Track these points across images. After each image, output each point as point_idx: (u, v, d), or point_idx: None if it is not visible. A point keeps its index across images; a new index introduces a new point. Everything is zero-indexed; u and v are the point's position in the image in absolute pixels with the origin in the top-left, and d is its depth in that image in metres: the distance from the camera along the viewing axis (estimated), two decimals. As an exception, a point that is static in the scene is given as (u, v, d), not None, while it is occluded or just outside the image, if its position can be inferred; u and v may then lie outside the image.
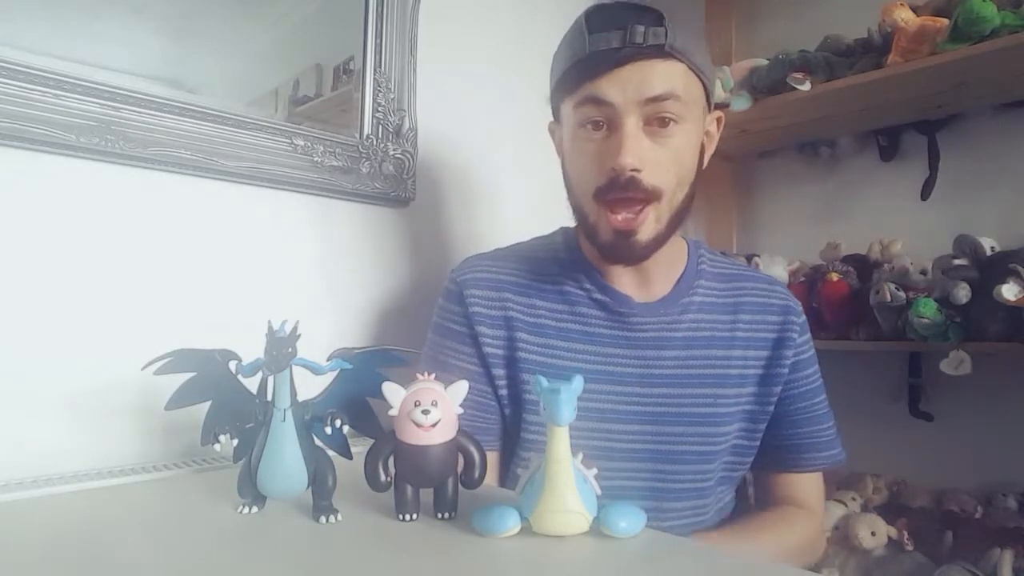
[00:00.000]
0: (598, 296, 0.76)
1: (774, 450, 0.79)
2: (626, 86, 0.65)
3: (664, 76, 0.65)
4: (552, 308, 0.77)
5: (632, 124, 0.66)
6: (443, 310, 0.79)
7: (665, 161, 0.67)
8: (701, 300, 0.78)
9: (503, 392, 0.75)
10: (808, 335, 0.81)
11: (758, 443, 0.79)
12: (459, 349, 0.76)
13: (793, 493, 0.81)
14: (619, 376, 0.74)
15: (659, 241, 0.70)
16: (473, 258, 0.82)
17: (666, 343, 0.75)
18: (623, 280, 0.76)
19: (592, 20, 0.67)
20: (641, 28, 0.64)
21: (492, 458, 0.75)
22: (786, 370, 0.77)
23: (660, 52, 0.65)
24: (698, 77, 0.68)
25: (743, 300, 0.79)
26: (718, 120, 0.76)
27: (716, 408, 0.75)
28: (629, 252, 0.70)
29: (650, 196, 0.67)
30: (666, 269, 0.78)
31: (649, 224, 0.68)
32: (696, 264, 0.80)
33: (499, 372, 0.75)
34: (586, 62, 0.67)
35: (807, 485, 0.81)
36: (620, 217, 0.68)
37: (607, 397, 0.74)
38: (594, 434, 0.72)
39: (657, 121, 0.66)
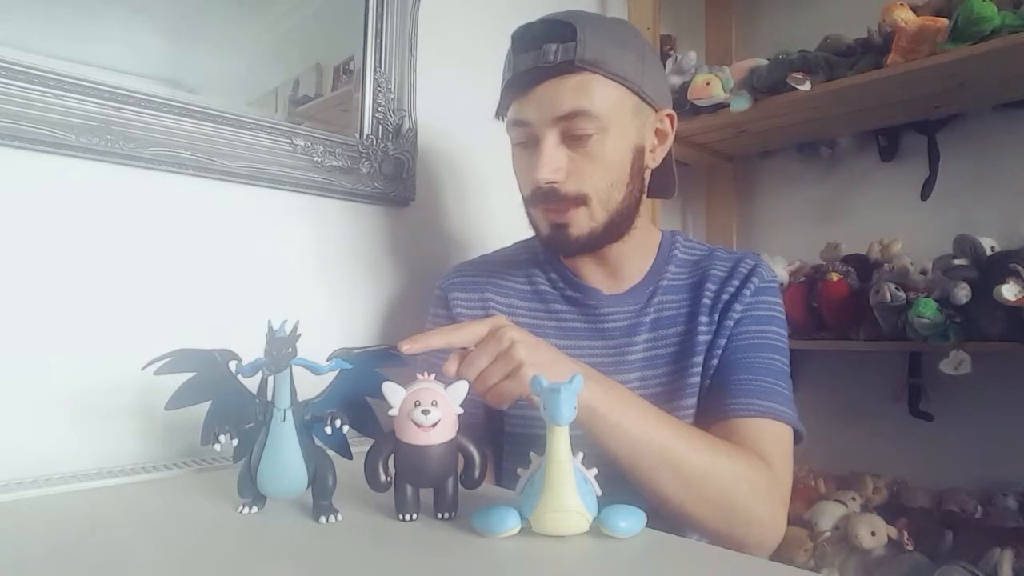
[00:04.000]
0: (569, 293, 0.81)
1: (710, 398, 0.74)
2: (539, 106, 0.70)
3: (575, 92, 0.68)
4: (529, 307, 0.82)
5: (550, 139, 0.70)
6: (432, 316, 0.86)
7: (587, 168, 0.71)
8: (667, 284, 0.80)
9: None
10: (768, 297, 0.78)
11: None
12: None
13: (735, 440, 0.69)
14: (594, 367, 0.74)
15: (597, 237, 0.74)
16: (458, 266, 0.89)
17: (635, 329, 0.78)
18: (594, 275, 0.81)
19: (516, 42, 0.72)
20: (552, 47, 0.67)
21: None
22: (731, 323, 0.75)
23: (571, 68, 0.67)
24: (620, 83, 0.70)
25: (708, 274, 0.79)
26: (669, 117, 0.77)
27: (688, 379, 0.75)
28: (565, 245, 0.75)
29: (575, 201, 0.72)
30: (635, 261, 0.81)
31: (581, 221, 0.73)
32: (668, 251, 0.83)
33: None
34: (509, 84, 0.72)
35: (752, 436, 0.68)
36: (553, 212, 0.73)
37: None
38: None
39: (572, 137, 0.70)
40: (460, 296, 0.83)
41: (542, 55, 0.68)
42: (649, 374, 0.77)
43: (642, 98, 0.72)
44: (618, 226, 0.75)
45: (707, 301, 0.77)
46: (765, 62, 1.20)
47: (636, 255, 0.81)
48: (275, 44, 0.91)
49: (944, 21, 0.98)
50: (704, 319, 0.76)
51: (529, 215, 0.78)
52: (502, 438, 0.79)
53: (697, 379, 0.75)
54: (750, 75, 1.21)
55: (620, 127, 0.71)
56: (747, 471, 0.64)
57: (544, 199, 0.72)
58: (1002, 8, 0.94)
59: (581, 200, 0.72)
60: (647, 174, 0.78)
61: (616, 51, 0.69)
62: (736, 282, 0.77)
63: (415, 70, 1.00)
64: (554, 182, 0.70)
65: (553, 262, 0.83)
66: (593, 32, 0.68)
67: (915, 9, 1.04)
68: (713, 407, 0.73)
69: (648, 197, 0.80)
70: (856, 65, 1.10)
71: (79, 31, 0.73)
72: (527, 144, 0.73)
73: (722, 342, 0.75)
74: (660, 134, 0.77)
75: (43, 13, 0.71)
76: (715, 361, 0.75)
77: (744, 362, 0.74)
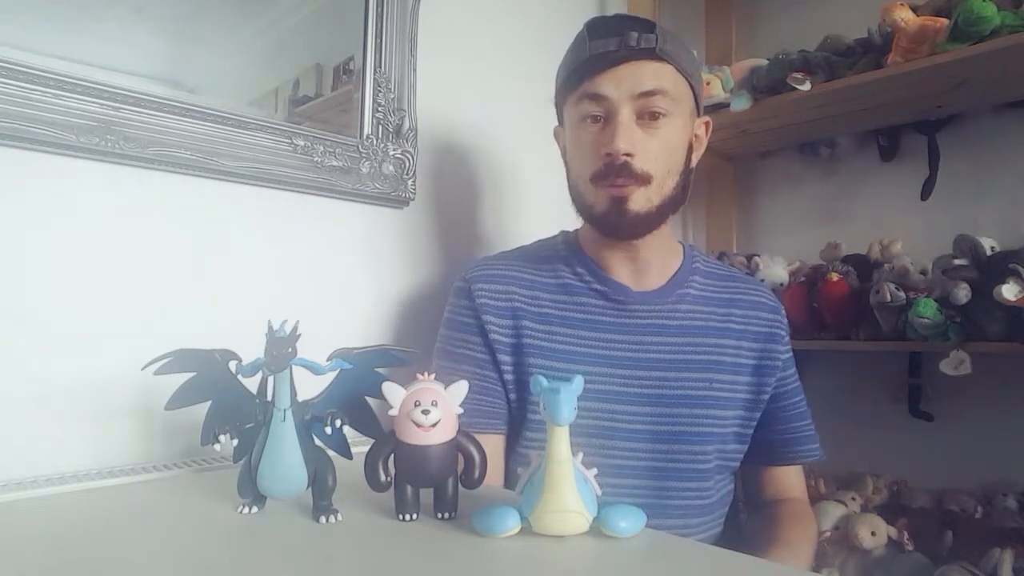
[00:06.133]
0: (597, 286, 0.82)
1: (765, 446, 0.86)
2: (620, 82, 0.74)
3: (654, 74, 0.75)
4: (554, 298, 0.83)
5: (625, 115, 0.74)
6: (453, 306, 0.85)
7: (655, 149, 0.75)
8: (696, 293, 0.84)
9: (508, 377, 0.80)
10: (789, 337, 0.88)
11: (751, 432, 0.84)
12: (468, 340, 0.82)
13: (785, 482, 0.89)
14: (618, 360, 0.79)
15: (650, 219, 0.78)
16: (481, 259, 0.89)
17: (662, 330, 0.81)
18: (621, 271, 0.83)
19: (592, 29, 0.77)
20: (635, 34, 0.73)
21: (499, 440, 0.80)
22: (779, 363, 0.84)
23: (651, 54, 0.74)
24: (686, 79, 0.77)
25: (736, 297, 0.86)
26: (706, 124, 0.84)
27: (711, 392, 0.80)
28: (621, 220, 0.77)
29: (641, 179, 0.75)
30: (662, 261, 0.84)
31: (639, 198, 0.76)
32: (691, 263, 0.87)
33: (505, 358, 0.80)
34: (586, 63, 0.76)
35: (796, 476, 0.90)
36: (614, 187, 0.76)
37: (607, 379, 0.78)
38: (596, 415, 0.77)
39: (648, 114, 0.75)
40: (484, 287, 0.82)
41: (625, 39, 0.73)
42: (673, 375, 0.80)
43: (696, 101, 0.80)
44: (663, 215, 0.79)
45: (735, 326, 0.83)
46: (765, 62, 1.20)
47: (664, 256, 0.84)
48: (275, 44, 0.91)
49: (944, 21, 0.98)
50: (732, 342, 0.82)
51: (583, 197, 0.80)
52: (523, 426, 0.80)
53: (720, 394, 0.80)
54: (750, 75, 1.21)
55: (683, 117, 0.78)
56: (814, 527, 0.86)
57: (616, 173, 0.75)
58: (1002, 8, 0.94)
59: (646, 179, 0.75)
60: (690, 175, 0.82)
61: (684, 53, 0.78)
62: (768, 315, 0.85)
63: (415, 70, 1.00)
64: (630, 155, 0.74)
65: (578, 257, 0.85)
66: (666, 32, 0.76)
67: (915, 9, 1.04)
68: (766, 454, 0.86)
69: None
70: (856, 65, 1.10)
71: (79, 31, 0.73)
72: (597, 119, 0.77)
73: (771, 381, 0.83)
74: (697, 139, 0.84)
75: (43, 13, 0.70)
76: (748, 395, 0.82)
77: (789, 410, 0.86)
